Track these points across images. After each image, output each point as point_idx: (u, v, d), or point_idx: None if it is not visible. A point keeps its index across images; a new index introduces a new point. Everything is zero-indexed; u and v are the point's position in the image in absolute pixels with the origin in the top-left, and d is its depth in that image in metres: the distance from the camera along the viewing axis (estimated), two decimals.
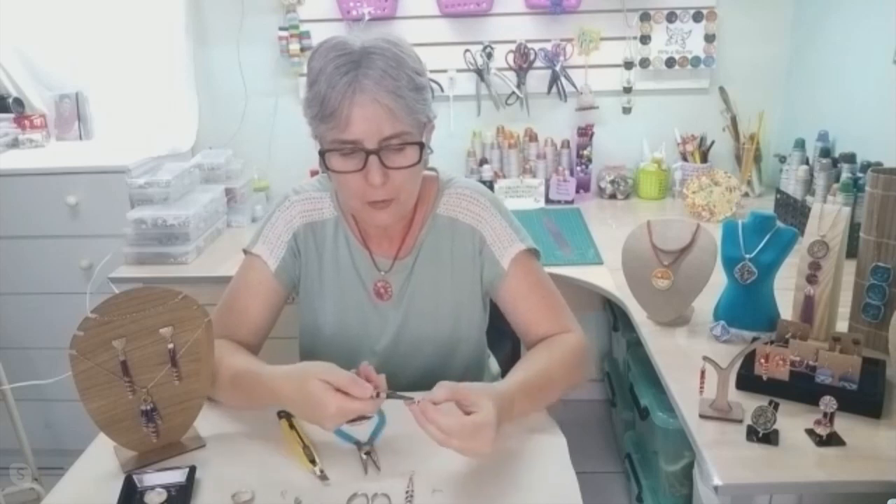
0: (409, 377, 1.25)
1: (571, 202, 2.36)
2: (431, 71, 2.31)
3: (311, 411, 0.97)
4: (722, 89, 2.37)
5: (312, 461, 0.99)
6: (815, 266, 1.24)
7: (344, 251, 1.23)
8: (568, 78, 2.36)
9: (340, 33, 1.08)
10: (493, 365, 1.48)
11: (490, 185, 2.31)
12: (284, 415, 1.09)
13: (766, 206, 2.08)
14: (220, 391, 1.12)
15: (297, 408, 1.01)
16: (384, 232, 1.21)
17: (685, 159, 2.38)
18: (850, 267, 1.28)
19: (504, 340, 1.61)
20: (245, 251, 1.26)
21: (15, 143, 2.35)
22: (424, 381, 1.22)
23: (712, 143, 2.37)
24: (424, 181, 1.21)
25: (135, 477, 0.96)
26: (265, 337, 1.25)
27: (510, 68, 2.37)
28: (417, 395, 0.95)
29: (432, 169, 1.26)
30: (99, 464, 1.03)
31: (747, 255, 1.30)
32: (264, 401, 1.07)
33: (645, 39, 2.35)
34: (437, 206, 1.22)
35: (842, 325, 1.31)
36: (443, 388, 0.95)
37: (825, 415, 1.02)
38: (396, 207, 1.11)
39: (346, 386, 0.95)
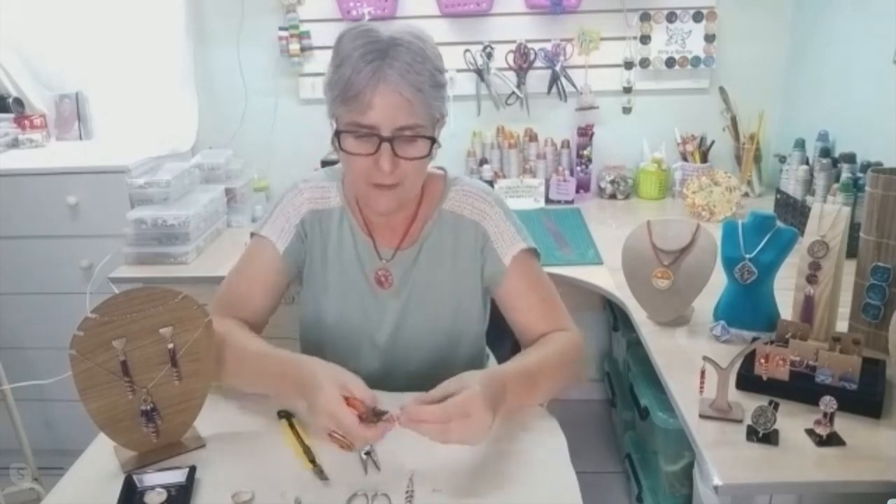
0: (410, 371, 1.26)
1: (571, 202, 2.36)
2: None
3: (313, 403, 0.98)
4: (722, 89, 2.37)
5: (312, 461, 0.99)
6: (815, 266, 1.24)
7: (347, 239, 1.25)
8: (568, 78, 2.36)
9: (368, 22, 1.11)
10: (494, 364, 1.48)
11: (490, 185, 2.30)
12: (284, 415, 1.09)
13: (766, 206, 2.08)
14: (224, 371, 1.12)
15: (301, 395, 1.02)
16: (387, 222, 1.23)
17: (685, 159, 2.38)
18: (850, 267, 1.28)
19: (504, 340, 1.60)
20: (253, 234, 1.27)
21: (15, 143, 2.35)
22: (425, 376, 1.22)
23: (712, 143, 2.36)
24: (431, 178, 1.24)
25: (135, 477, 0.96)
26: (266, 320, 1.26)
27: (510, 68, 2.37)
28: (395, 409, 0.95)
29: (441, 168, 1.28)
30: (99, 464, 1.03)
31: (747, 255, 1.30)
32: (268, 385, 1.08)
33: (645, 39, 2.35)
34: (443, 201, 1.24)
35: (842, 325, 1.30)
36: (423, 399, 0.95)
37: (825, 415, 1.02)
38: (399, 193, 1.12)
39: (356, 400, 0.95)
